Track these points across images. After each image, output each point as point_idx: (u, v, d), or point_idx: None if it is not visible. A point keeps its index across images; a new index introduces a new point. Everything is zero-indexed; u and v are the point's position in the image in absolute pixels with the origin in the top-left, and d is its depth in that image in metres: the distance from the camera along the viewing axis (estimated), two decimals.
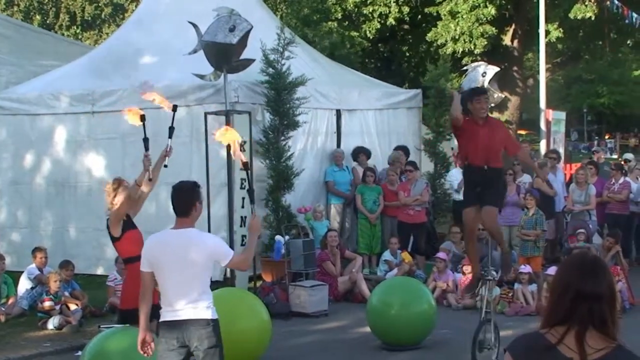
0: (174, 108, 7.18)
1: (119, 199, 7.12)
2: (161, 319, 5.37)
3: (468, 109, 7.61)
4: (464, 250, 12.29)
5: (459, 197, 13.68)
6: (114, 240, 7.18)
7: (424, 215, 13.20)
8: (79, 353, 7.61)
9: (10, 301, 10.77)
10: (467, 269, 11.24)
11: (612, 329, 2.84)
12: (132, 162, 12.39)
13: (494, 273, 8.09)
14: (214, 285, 5.55)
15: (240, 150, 5.93)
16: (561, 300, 2.88)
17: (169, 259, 5.31)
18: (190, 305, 5.26)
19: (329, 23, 22.35)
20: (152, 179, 7.05)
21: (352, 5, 22.74)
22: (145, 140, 7.03)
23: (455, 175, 13.99)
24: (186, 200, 5.41)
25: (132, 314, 7.08)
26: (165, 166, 6.97)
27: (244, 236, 11.36)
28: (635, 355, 2.86)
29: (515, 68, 24.19)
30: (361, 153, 13.77)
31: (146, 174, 6.97)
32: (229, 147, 6.70)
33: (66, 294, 10.53)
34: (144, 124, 7.01)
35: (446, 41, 21.48)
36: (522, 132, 36.87)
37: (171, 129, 7.07)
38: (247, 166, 5.80)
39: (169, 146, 7.01)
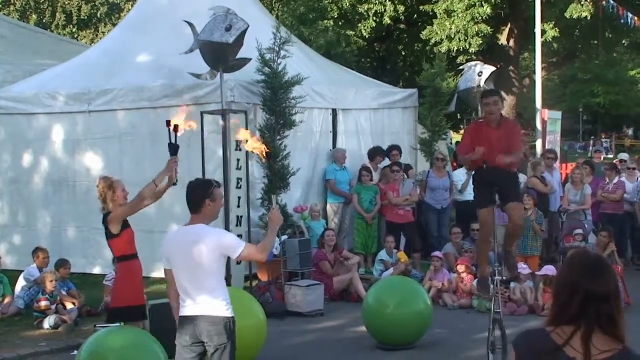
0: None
1: (119, 194, 7.17)
2: (180, 314, 5.45)
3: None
4: (465, 250, 12.27)
5: (463, 198, 13.68)
6: (112, 237, 7.20)
7: (412, 215, 13.24)
8: (75, 352, 7.61)
9: (7, 300, 10.75)
10: (461, 268, 11.28)
11: (621, 329, 2.82)
12: (129, 160, 12.41)
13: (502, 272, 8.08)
14: None
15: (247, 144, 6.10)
16: (570, 302, 2.85)
17: (179, 255, 5.39)
18: (200, 301, 5.30)
19: (325, 22, 22.31)
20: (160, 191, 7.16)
21: (348, 4, 22.72)
22: (172, 145, 7.04)
23: (459, 176, 13.94)
24: (196, 197, 5.46)
25: (123, 312, 7.13)
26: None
27: (240, 236, 11.35)
28: None
29: (511, 68, 24.20)
30: (379, 154, 13.76)
31: (166, 176, 7.09)
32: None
33: (63, 292, 10.53)
34: (169, 130, 7.01)
35: (441, 40, 21.47)
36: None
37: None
38: (267, 156, 5.92)
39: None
